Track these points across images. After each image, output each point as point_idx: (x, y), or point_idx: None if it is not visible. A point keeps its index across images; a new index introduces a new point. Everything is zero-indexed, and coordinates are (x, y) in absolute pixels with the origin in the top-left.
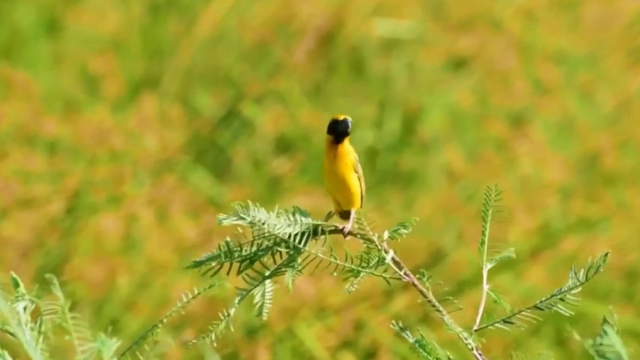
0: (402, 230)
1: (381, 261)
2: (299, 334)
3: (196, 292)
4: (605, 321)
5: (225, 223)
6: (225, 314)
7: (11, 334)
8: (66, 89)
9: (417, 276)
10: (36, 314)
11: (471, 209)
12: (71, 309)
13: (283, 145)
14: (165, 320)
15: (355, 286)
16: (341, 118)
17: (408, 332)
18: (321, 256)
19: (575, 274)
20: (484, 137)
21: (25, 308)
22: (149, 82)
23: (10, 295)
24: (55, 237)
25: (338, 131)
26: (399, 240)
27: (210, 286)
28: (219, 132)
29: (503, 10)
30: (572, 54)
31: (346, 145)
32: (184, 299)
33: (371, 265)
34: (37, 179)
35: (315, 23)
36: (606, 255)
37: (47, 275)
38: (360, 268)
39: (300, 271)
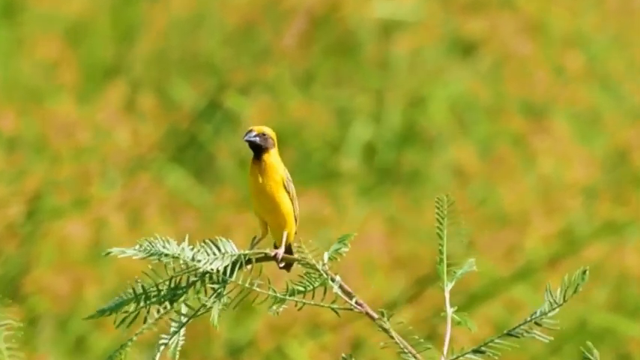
0: (343, 249)
1: (327, 289)
2: (290, 353)
3: (169, 307)
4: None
5: (126, 255)
6: None
7: None
8: (26, 78)
9: (377, 317)
10: None
11: (483, 213)
12: (33, 325)
13: None
14: (134, 339)
15: (281, 308)
16: (249, 130)
17: None
18: (257, 289)
19: (551, 294)
20: (498, 132)
21: None
22: (119, 69)
23: None
24: (14, 244)
25: (249, 145)
26: (338, 258)
27: (190, 306)
28: (199, 126)
29: None
30: (595, 38)
31: (272, 160)
32: (156, 315)
33: (311, 289)
34: None
35: (306, 3)
36: (585, 272)
37: None
38: (300, 299)
39: (226, 305)
